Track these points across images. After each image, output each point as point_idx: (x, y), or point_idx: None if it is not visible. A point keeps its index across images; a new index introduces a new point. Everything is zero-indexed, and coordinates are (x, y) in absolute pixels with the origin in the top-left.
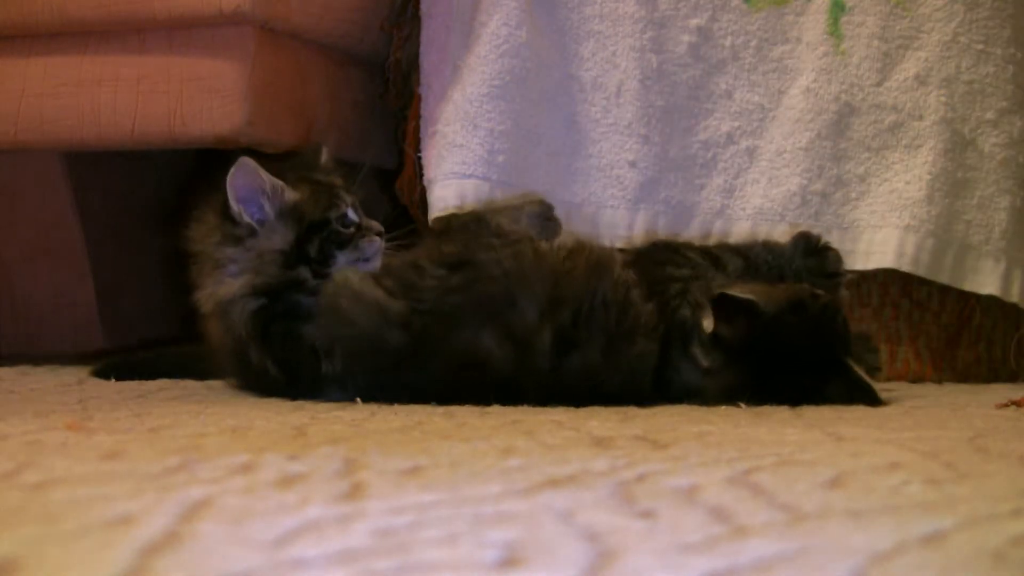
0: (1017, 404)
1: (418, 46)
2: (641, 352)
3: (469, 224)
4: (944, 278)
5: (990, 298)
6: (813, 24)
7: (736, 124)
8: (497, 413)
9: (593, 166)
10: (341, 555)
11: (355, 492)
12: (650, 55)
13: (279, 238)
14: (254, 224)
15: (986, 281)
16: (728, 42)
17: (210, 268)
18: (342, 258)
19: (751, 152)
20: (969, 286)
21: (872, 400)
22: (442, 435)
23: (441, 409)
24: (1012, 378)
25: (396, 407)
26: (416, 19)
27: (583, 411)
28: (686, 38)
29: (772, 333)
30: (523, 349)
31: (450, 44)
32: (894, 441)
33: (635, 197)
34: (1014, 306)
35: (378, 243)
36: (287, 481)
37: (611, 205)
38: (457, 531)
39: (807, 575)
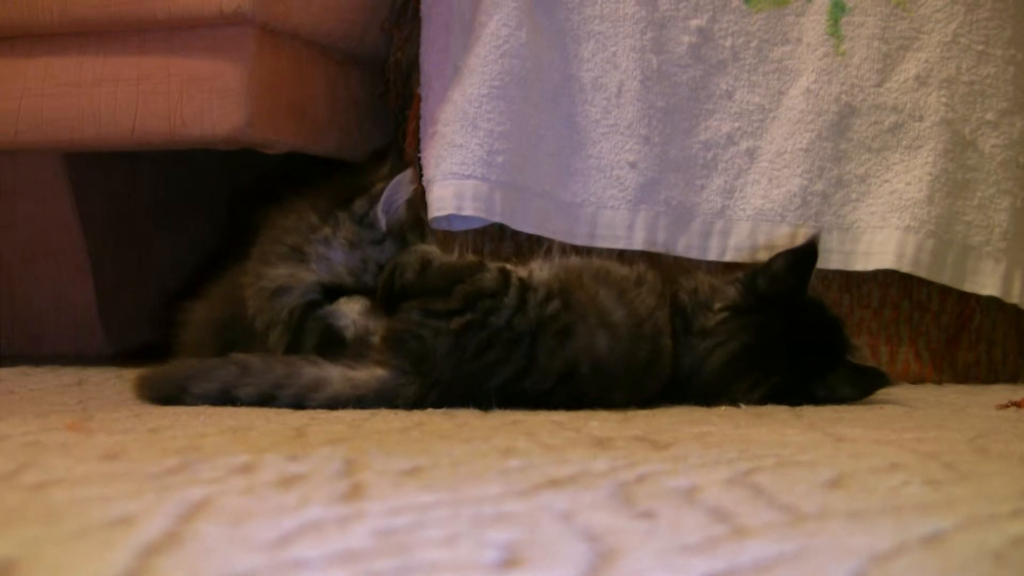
0: (1017, 405)
1: (418, 46)
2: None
3: None
4: (944, 279)
5: (990, 299)
6: (813, 25)
7: (736, 125)
8: (497, 414)
9: (593, 167)
10: (341, 555)
11: (355, 493)
12: (650, 56)
13: (388, 253)
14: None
15: (986, 282)
16: (728, 43)
17: (293, 257)
18: None
19: (751, 153)
20: (969, 287)
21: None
22: (442, 436)
23: (441, 409)
24: (1012, 379)
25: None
26: (416, 20)
27: (583, 412)
28: (686, 39)
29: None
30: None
31: (450, 44)
32: (894, 442)
33: (635, 198)
34: (1014, 307)
35: None
36: (287, 482)
37: (611, 206)
38: (457, 531)
39: (807, 575)
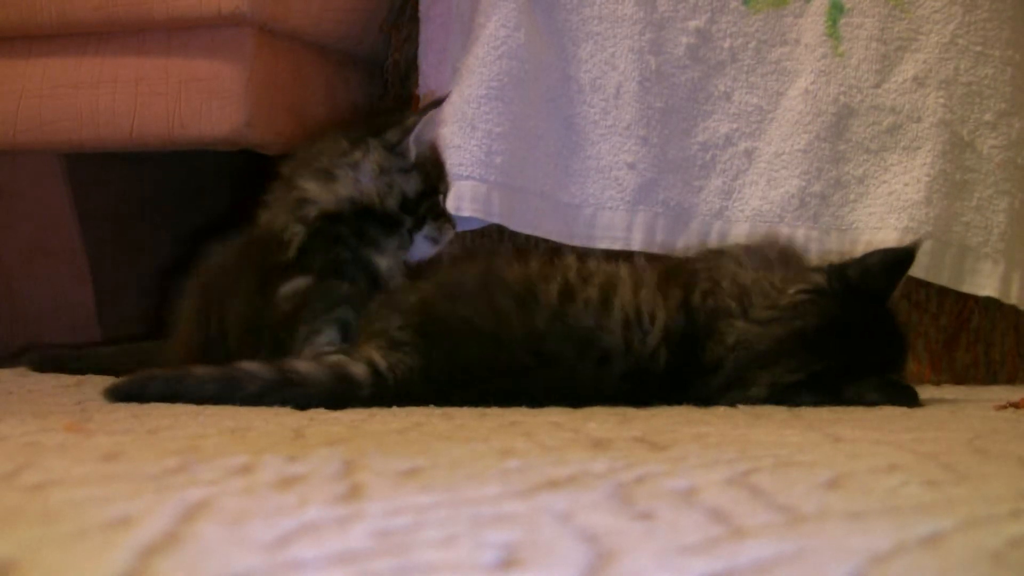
0: (1016, 406)
1: (416, 48)
2: None
3: None
4: (943, 280)
5: (989, 300)
6: (812, 26)
7: (735, 126)
8: (495, 415)
9: (591, 167)
10: (340, 556)
11: (354, 493)
12: (649, 57)
13: (414, 184)
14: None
15: (985, 283)
16: (727, 44)
17: (322, 176)
18: (427, 229)
19: (750, 154)
20: (968, 288)
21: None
22: (441, 437)
23: (440, 410)
24: (1011, 380)
25: (395, 409)
26: (415, 21)
27: (581, 412)
28: (685, 40)
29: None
30: None
31: (448, 46)
32: (893, 442)
33: (633, 199)
34: (1013, 308)
35: (451, 233)
36: (286, 482)
37: (609, 207)
38: (456, 532)
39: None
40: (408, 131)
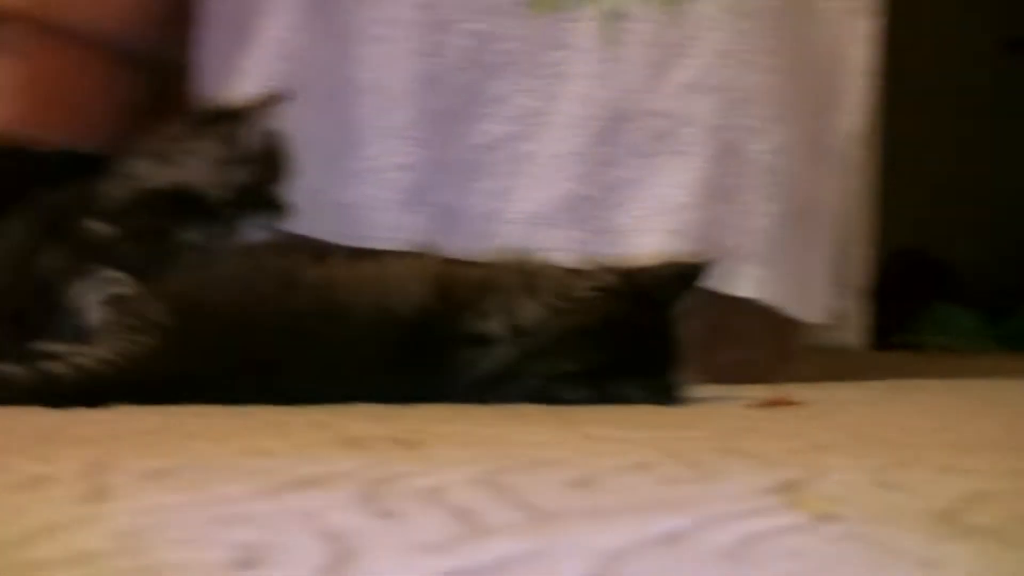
0: (769, 405)
1: (196, 48)
2: None
3: None
4: (707, 281)
5: (749, 300)
6: (589, 30)
7: (511, 129)
8: (252, 414)
9: (366, 168)
10: (80, 557)
11: (99, 494)
12: (427, 59)
13: (246, 174)
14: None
15: (747, 285)
16: (505, 47)
17: (154, 158)
18: (253, 219)
19: (524, 156)
20: (730, 289)
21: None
22: (194, 436)
23: (195, 409)
24: (769, 380)
25: (150, 407)
26: (193, 20)
27: (341, 410)
28: (464, 43)
29: None
30: None
31: (226, 46)
32: (644, 441)
33: (406, 200)
34: (773, 310)
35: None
36: (31, 483)
37: (383, 208)
38: (197, 532)
39: (543, 574)
40: (243, 122)
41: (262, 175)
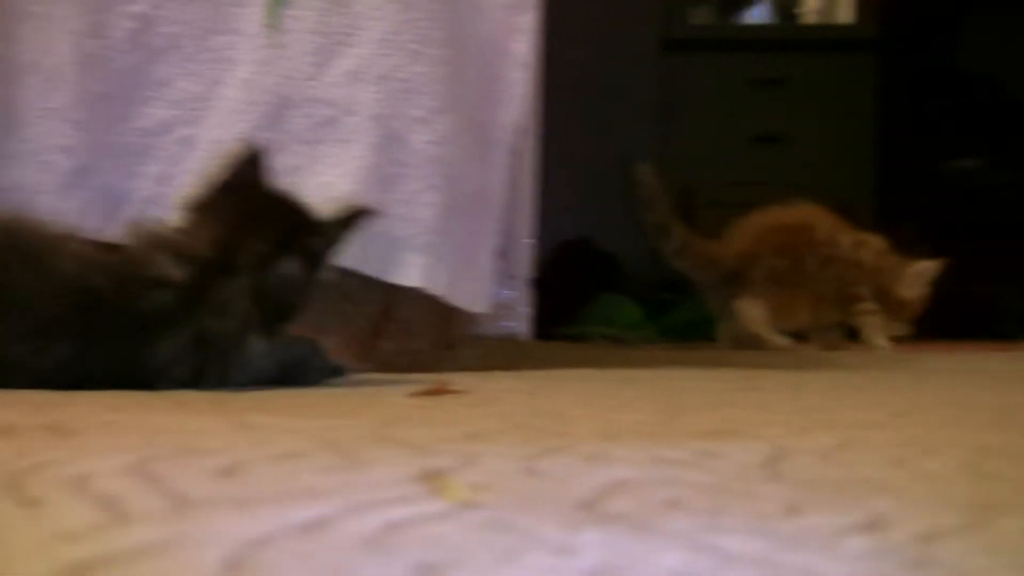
0: (430, 394)
1: None
2: None
3: None
4: (371, 270)
5: (414, 290)
6: (253, 16)
7: (174, 113)
8: None
9: (26, 151)
10: None
11: None
12: (88, 40)
13: None
14: None
15: (411, 274)
16: (169, 30)
17: None
18: None
19: (188, 141)
20: (395, 278)
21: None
22: None
23: None
24: (433, 368)
25: None
26: None
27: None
28: (126, 24)
29: None
30: None
31: None
32: (300, 430)
33: (67, 183)
34: (437, 299)
35: None
36: None
37: (43, 191)
38: None
39: (182, 560)
40: None
41: None
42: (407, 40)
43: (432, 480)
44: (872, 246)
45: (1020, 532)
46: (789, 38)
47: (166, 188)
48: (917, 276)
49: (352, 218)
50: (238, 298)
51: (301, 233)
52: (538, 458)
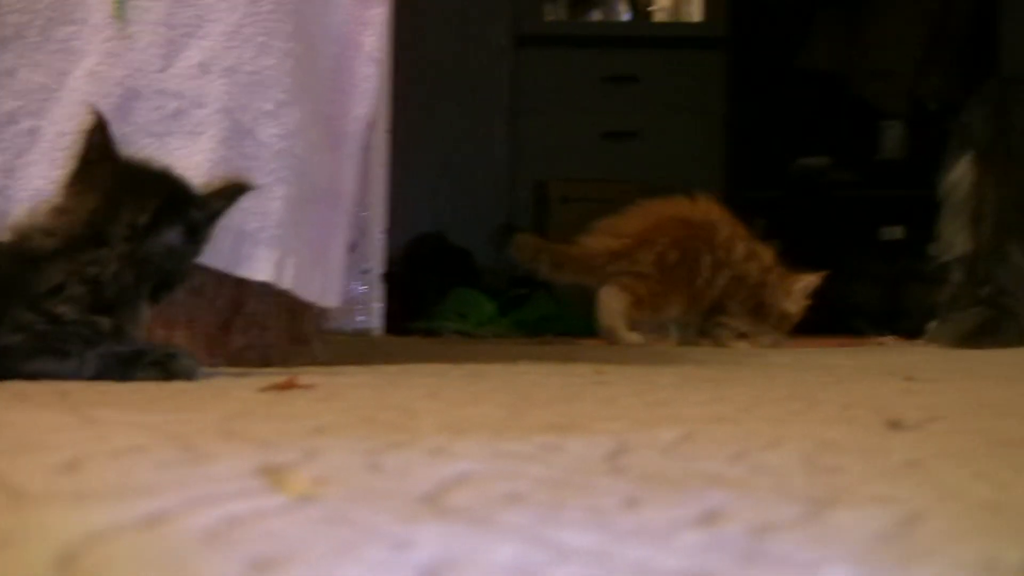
0: (279, 388)
1: None
2: None
3: None
4: (220, 264)
5: (264, 284)
6: (100, 6)
7: (18, 104)
8: None
9: None
10: None
11: None
12: None
13: None
14: None
15: (261, 268)
16: (13, 19)
17: None
18: None
19: (33, 133)
20: (244, 272)
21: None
22: None
23: None
24: (283, 362)
25: None
26: None
27: None
28: None
29: None
30: None
31: None
32: (146, 424)
33: None
34: (287, 293)
35: None
36: None
37: None
38: None
39: (15, 556)
40: None
41: None
42: (255, 32)
43: (273, 474)
44: (761, 260)
45: (853, 524)
46: (641, 35)
47: (10, 180)
48: (803, 291)
49: (231, 192)
50: (108, 268)
51: (182, 205)
52: (381, 452)
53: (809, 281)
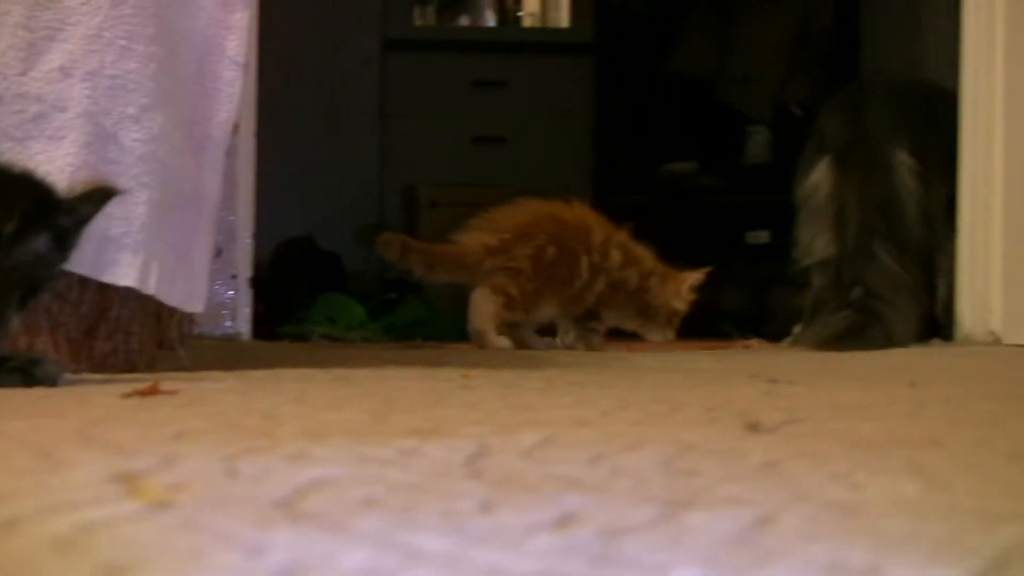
0: (142, 394)
1: None
2: None
3: None
4: (84, 269)
5: (128, 289)
6: None
7: None
8: None
9: None
10: None
11: None
12: None
13: None
14: None
15: (125, 273)
16: None
17: None
18: None
19: None
20: (108, 277)
21: None
22: None
23: None
24: (148, 368)
25: None
26: None
27: None
28: None
29: None
30: None
31: None
32: (5, 432)
33: None
34: (152, 298)
35: None
36: None
37: None
38: None
39: None
40: None
41: None
42: (117, 36)
43: (128, 481)
44: (640, 265)
45: (706, 526)
46: (510, 41)
47: None
48: (689, 288)
49: (98, 196)
50: None
51: (49, 211)
52: (239, 458)
53: (694, 278)
